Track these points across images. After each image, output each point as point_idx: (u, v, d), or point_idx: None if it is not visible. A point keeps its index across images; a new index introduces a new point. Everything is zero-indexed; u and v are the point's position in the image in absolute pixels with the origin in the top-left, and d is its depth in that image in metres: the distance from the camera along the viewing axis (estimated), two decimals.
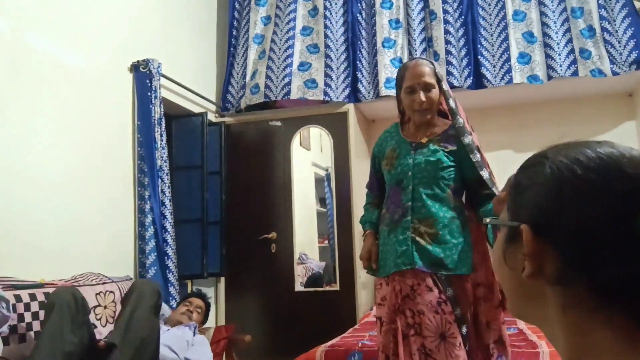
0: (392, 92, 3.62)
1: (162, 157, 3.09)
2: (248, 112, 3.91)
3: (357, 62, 3.74)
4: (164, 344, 2.32)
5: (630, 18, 3.23)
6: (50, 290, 2.24)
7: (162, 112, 3.13)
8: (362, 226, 2.07)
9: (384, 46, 3.69)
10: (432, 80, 1.88)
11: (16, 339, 2.05)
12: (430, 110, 1.90)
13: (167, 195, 3.09)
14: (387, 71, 3.64)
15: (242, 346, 2.70)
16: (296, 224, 3.76)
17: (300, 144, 4.07)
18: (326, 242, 4.63)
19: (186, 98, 3.61)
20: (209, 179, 3.66)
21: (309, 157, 4.41)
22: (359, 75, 3.72)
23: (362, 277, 3.53)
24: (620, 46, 3.24)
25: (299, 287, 3.67)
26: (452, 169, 1.86)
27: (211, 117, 3.83)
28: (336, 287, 3.61)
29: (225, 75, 3.97)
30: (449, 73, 3.53)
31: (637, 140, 3.65)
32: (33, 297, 2.15)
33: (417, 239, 1.80)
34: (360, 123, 3.91)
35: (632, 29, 3.21)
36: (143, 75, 3.06)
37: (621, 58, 3.24)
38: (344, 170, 3.69)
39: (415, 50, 3.65)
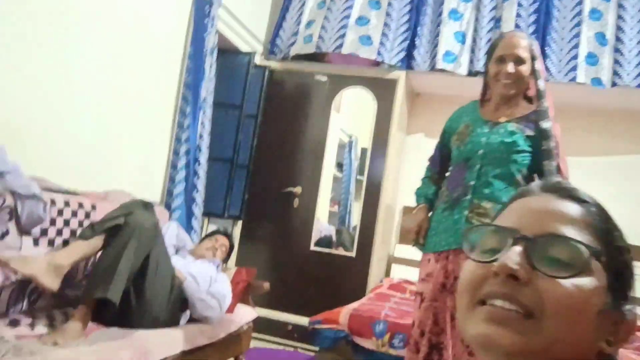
0: (449, 67, 3.62)
1: (208, 89, 3.11)
2: (294, 61, 3.91)
3: (418, 28, 3.72)
4: (189, 273, 2.39)
5: None
6: (94, 201, 2.31)
7: (216, 43, 3.13)
8: (417, 198, 2.09)
9: (450, 17, 3.66)
10: (525, 55, 1.86)
11: (45, 242, 2.11)
12: (516, 85, 1.88)
13: (206, 128, 3.13)
14: (448, 44, 3.63)
15: (260, 292, 2.78)
16: (323, 182, 3.81)
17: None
18: (336, 207, 4.71)
19: (237, 34, 3.61)
20: (245, 121, 3.68)
21: (337, 119, 4.43)
22: (417, 41, 3.71)
23: (378, 251, 3.62)
24: None
25: (314, 247, 3.75)
26: (527, 154, 1.85)
27: (257, 59, 3.82)
28: (352, 253, 3.69)
29: (278, 19, 3.95)
30: None
31: None
32: (67, 203, 2.21)
33: (475, 219, 1.82)
34: (406, 94, 3.91)
35: None
36: (203, 1, 3.05)
37: None
38: (383, 140, 3.72)
39: (482, 28, 3.63)
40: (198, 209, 3.12)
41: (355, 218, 4.64)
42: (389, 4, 3.74)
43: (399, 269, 3.83)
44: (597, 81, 3.42)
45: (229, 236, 2.86)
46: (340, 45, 3.70)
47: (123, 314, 2.02)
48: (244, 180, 3.75)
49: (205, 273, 2.50)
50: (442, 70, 3.65)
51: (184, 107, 3.04)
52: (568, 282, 0.54)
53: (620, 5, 3.42)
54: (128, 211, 2.05)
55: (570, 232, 0.57)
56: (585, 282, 0.55)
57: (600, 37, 3.45)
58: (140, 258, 2.00)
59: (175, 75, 3.05)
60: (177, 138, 3.03)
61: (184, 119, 3.03)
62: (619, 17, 3.41)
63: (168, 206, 2.99)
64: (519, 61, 1.86)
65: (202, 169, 3.13)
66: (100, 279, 1.91)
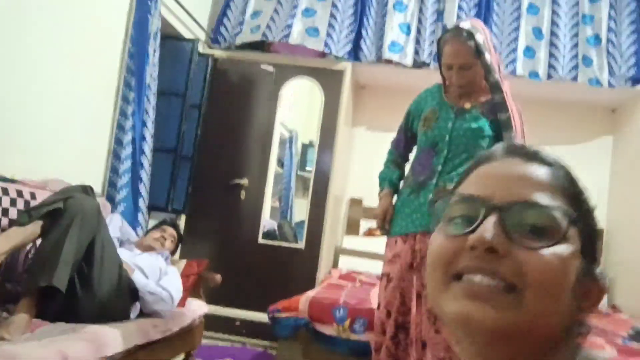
0: (395, 57, 3.69)
1: (152, 74, 3.01)
2: (239, 50, 3.85)
3: (364, 19, 3.77)
4: (137, 266, 2.30)
5: (635, 35, 3.46)
6: (34, 190, 2.17)
7: (160, 27, 3.03)
8: (380, 182, 2.11)
9: (395, 8, 3.74)
10: (469, 60, 1.87)
11: None
12: (468, 86, 1.93)
13: (150, 116, 3.02)
14: (394, 34, 3.70)
15: (213, 284, 2.72)
16: (270, 174, 3.78)
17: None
18: (277, 202, 4.70)
19: (180, 20, 3.51)
20: (189, 111, 3.59)
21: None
22: (364, 32, 3.76)
23: (327, 242, 3.64)
24: (621, 60, 3.48)
25: (262, 239, 3.71)
26: (491, 138, 1.91)
27: (200, 47, 3.73)
28: (301, 245, 3.69)
29: (222, 7, 3.88)
30: None
31: (611, 156, 3.94)
32: (5, 191, 2.07)
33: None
34: (352, 86, 3.96)
35: (635, 45, 3.45)
36: None
37: (620, 72, 3.48)
38: (330, 132, 3.73)
39: (426, 19, 3.74)
40: (143, 202, 3.01)
41: (297, 213, 4.64)
42: None
43: (346, 260, 3.87)
44: (534, 74, 3.61)
45: (176, 227, 2.78)
46: (288, 35, 3.68)
47: (69, 306, 1.91)
48: (188, 172, 3.65)
49: (154, 265, 2.42)
50: (389, 62, 3.72)
51: (126, 93, 2.91)
52: (547, 252, 0.52)
53: (554, 2, 3.63)
54: (67, 195, 1.94)
55: (543, 198, 0.55)
56: (564, 250, 0.53)
57: (537, 32, 3.64)
58: (84, 244, 1.89)
59: (116, 59, 2.92)
60: (120, 126, 2.90)
61: (126, 106, 2.91)
62: (554, 12, 3.62)
63: (111, 199, 2.86)
64: (464, 68, 1.89)
65: (146, 160, 3.02)
66: (43, 267, 1.79)
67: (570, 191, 0.57)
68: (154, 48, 2.99)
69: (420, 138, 2.02)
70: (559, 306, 0.53)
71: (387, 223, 2.00)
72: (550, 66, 3.61)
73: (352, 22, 3.79)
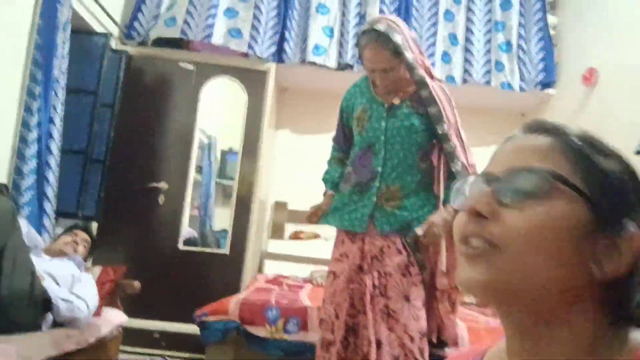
0: (319, 59, 3.71)
1: (61, 67, 2.80)
2: (155, 47, 3.69)
3: (288, 21, 3.76)
4: (47, 273, 2.12)
5: (543, 42, 3.72)
6: None
7: (70, 18, 2.84)
8: (324, 184, 2.10)
9: (317, 11, 3.77)
10: (390, 64, 1.87)
11: None
12: (392, 85, 1.95)
13: (58, 113, 2.81)
14: (318, 37, 3.72)
15: (130, 292, 2.55)
16: (191, 177, 3.65)
17: None
18: (196, 211, 4.56)
19: (91, 12, 3.31)
20: (101, 110, 3.38)
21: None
22: (287, 35, 3.75)
23: (252, 247, 3.56)
24: (531, 66, 3.72)
25: (183, 246, 3.56)
26: (425, 132, 1.94)
27: (113, 43, 3.54)
28: (225, 251, 3.58)
29: (136, 1, 3.71)
30: None
31: None
32: None
33: (384, 204, 1.88)
34: (275, 88, 3.92)
35: (544, 52, 3.71)
36: None
37: (530, 77, 3.71)
38: (254, 133, 3.67)
39: (349, 22, 3.79)
40: (50, 206, 2.77)
41: (217, 222, 4.51)
42: None
43: (272, 264, 3.80)
44: (451, 78, 3.77)
45: (89, 231, 2.60)
46: (210, 35, 3.59)
47: None
48: (100, 175, 3.43)
49: (66, 272, 2.24)
50: (312, 64, 3.73)
51: (32, 88, 2.69)
52: (531, 211, 0.54)
53: (469, 9, 3.82)
54: None
55: (534, 163, 0.57)
56: (552, 208, 0.54)
57: (453, 37, 3.81)
58: None
59: (22, 51, 2.69)
60: (25, 123, 2.67)
61: (32, 102, 2.68)
62: (468, 19, 3.81)
63: (14, 202, 2.60)
64: (386, 71, 1.90)
65: (54, 160, 2.80)
66: None
67: (578, 153, 0.58)
68: (63, 40, 2.79)
69: (356, 138, 2.02)
70: (548, 263, 0.54)
71: (315, 217, 2.00)
72: (466, 71, 3.79)
73: (276, 24, 3.77)
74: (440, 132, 1.90)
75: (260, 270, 3.85)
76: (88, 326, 2.15)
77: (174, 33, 3.61)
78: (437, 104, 1.92)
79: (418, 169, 1.91)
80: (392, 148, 1.92)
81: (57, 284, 2.15)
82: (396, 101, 1.96)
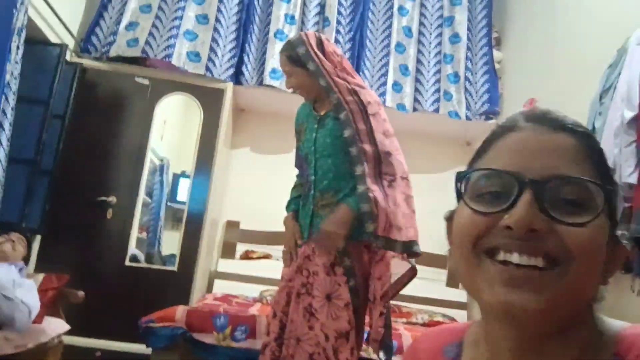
0: (276, 83, 3.80)
1: (13, 72, 2.76)
2: (111, 62, 3.69)
3: (246, 45, 3.85)
4: None
5: (488, 75, 3.95)
6: None
7: (25, 24, 2.82)
8: (286, 208, 2.13)
9: (275, 36, 3.88)
10: (287, 69, 2.05)
11: None
12: (303, 92, 2.08)
13: (8, 118, 2.75)
14: (275, 61, 3.82)
15: (74, 301, 2.48)
16: (141, 193, 3.61)
17: None
18: (144, 233, 4.49)
19: (47, 22, 3.30)
20: (51, 121, 3.33)
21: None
22: (245, 58, 3.83)
23: (202, 266, 3.53)
24: (476, 96, 3.93)
25: (129, 262, 3.49)
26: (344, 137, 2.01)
27: (68, 55, 3.52)
28: (173, 267, 3.53)
29: (95, 16, 3.73)
30: None
31: None
32: None
33: (319, 211, 1.94)
34: (232, 109, 3.97)
35: (488, 84, 3.93)
36: None
37: (475, 107, 3.92)
38: (209, 151, 3.68)
39: None
40: None
41: (166, 246, 4.44)
42: (217, 20, 3.81)
43: (221, 284, 3.75)
44: (401, 107, 3.93)
45: (20, 232, 2.52)
46: (169, 56, 3.63)
47: None
48: (47, 187, 3.35)
49: (7, 277, 2.17)
50: (269, 86, 3.81)
51: None
52: (589, 225, 0.52)
53: (420, 42, 4.02)
54: None
55: (576, 170, 0.54)
56: (601, 222, 0.53)
57: (404, 68, 3.99)
58: None
59: None
60: None
61: None
62: (419, 51, 4.01)
63: None
64: (287, 75, 2.08)
65: (0, 166, 2.72)
66: None
67: (596, 158, 0.57)
68: (17, 45, 2.76)
69: (297, 152, 2.12)
70: (596, 276, 0.55)
71: (294, 250, 2.01)
72: (416, 100, 3.96)
73: (234, 47, 3.85)
74: (345, 136, 1.95)
75: (209, 289, 3.80)
76: (28, 331, 2.09)
77: (135, 52, 3.63)
78: (344, 109, 1.96)
79: (351, 175, 1.93)
80: (320, 156, 1.99)
81: None
82: (322, 112, 2.06)
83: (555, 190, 0.53)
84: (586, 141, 0.58)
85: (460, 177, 0.60)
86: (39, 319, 2.23)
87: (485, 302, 0.55)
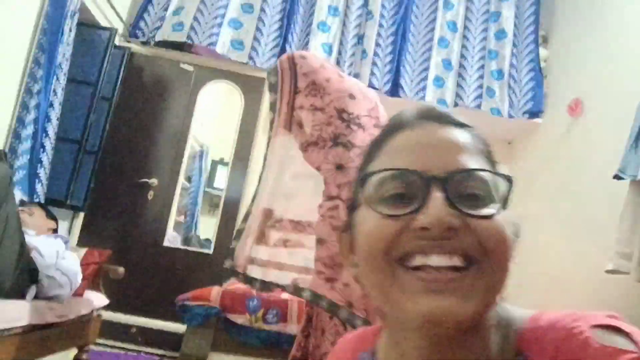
0: None
1: (65, 54, 2.87)
2: (158, 47, 3.78)
3: (289, 35, 3.87)
4: (31, 245, 2.14)
5: (533, 73, 3.86)
6: None
7: (79, 7, 2.92)
8: None
9: (318, 28, 3.89)
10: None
11: None
12: None
13: (58, 97, 2.86)
14: (317, 53, 3.82)
15: (114, 277, 2.57)
16: (181, 177, 3.69)
17: None
18: (182, 217, 4.59)
19: (98, 7, 3.40)
20: (99, 103, 3.44)
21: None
22: (288, 48, 3.85)
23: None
24: (520, 94, 3.85)
25: (167, 242, 3.58)
26: None
27: (117, 39, 3.62)
28: (209, 250, 3.60)
29: (143, 1, 3.81)
30: (372, 73, 3.84)
31: None
32: None
33: None
34: None
35: (533, 82, 3.85)
36: None
37: (518, 105, 3.85)
38: (247, 140, 3.73)
39: (347, 42, 3.92)
40: (42, 188, 2.80)
41: (202, 230, 4.53)
42: (262, 10, 3.85)
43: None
44: (442, 101, 3.89)
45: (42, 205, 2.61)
46: (214, 43, 3.69)
47: None
48: (92, 167, 3.46)
49: (51, 248, 2.25)
50: None
51: (34, 71, 2.75)
52: (497, 216, 0.51)
53: (464, 37, 3.97)
54: None
55: (473, 163, 0.53)
56: (503, 211, 0.52)
57: (447, 63, 3.95)
58: None
59: (27, 34, 2.75)
60: (24, 104, 2.72)
61: (33, 84, 2.74)
62: (463, 46, 3.96)
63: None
64: None
65: (49, 142, 2.84)
66: None
67: (484, 149, 0.57)
68: (70, 27, 2.87)
69: None
70: (509, 269, 0.52)
71: None
72: (457, 95, 3.92)
73: (278, 36, 3.88)
74: None
75: None
76: (69, 302, 2.17)
77: (180, 37, 3.71)
78: None
79: None
80: None
81: (42, 256, 2.16)
82: None
83: (460, 184, 0.51)
84: (476, 134, 0.58)
85: (359, 182, 0.56)
86: (80, 292, 2.31)
87: (405, 314, 0.50)
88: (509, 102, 3.85)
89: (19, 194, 2.65)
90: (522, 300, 0.58)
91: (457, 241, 0.49)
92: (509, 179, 0.53)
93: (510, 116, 3.84)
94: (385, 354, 0.60)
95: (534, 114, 3.85)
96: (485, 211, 0.50)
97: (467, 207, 0.50)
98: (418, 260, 0.50)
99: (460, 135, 0.56)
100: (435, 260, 0.49)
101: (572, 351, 0.49)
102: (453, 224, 0.49)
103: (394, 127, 0.58)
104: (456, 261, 0.49)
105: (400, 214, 0.51)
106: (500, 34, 3.96)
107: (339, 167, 1.62)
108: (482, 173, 0.52)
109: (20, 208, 2.44)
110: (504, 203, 0.53)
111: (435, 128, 0.56)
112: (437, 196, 0.50)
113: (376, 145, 0.59)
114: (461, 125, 0.58)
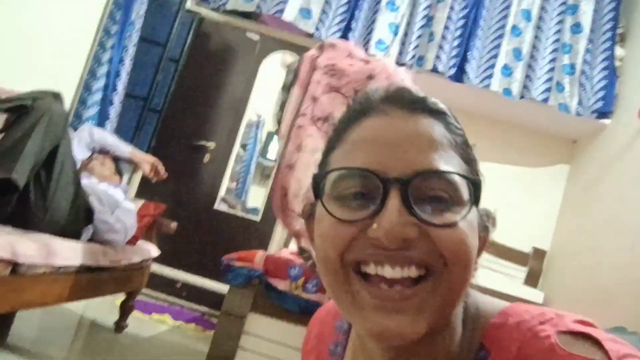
0: (380, 54, 3.78)
1: (139, 12, 2.95)
2: (226, 14, 3.83)
3: (356, 11, 3.84)
4: (93, 194, 2.24)
5: (607, 71, 3.68)
6: None
7: None
8: None
9: (387, 7, 3.83)
10: None
11: None
12: None
13: (129, 54, 2.96)
14: (382, 33, 3.79)
15: (167, 230, 2.67)
16: (237, 144, 3.76)
17: None
18: (234, 184, 4.69)
19: None
20: (166, 63, 3.54)
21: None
22: (354, 24, 3.83)
23: None
24: (591, 92, 3.68)
25: (218, 206, 3.68)
26: None
27: (188, 3, 3.70)
28: (257, 218, 3.67)
29: None
30: (437, 56, 3.76)
31: (565, 184, 4.14)
32: None
33: None
34: None
35: (605, 81, 3.67)
36: None
37: (588, 103, 3.68)
38: None
39: (415, 24, 3.84)
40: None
41: (251, 199, 4.62)
42: None
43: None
44: (508, 92, 3.77)
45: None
46: (282, 11, 3.70)
47: (19, 211, 1.83)
48: (154, 125, 3.59)
49: (111, 196, 2.36)
50: (373, 56, 3.80)
51: (108, 26, 2.87)
52: (460, 224, 0.48)
53: (539, 27, 3.82)
54: (36, 96, 1.87)
55: (441, 160, 0.49)
56: (470, 215, 0.49)
57: (517, 52, 3.81)
58: (47, 147, 1.81)
59: None
60: (96, 58, 2.84)
61: (107, 39, 2.86)
62: (536, 37, 3.81)
63: (73, 128, 2.77)
64: None
65: (117, 97, 2.95)
66: (2, 159, 1.71)
67: (461, 142, 0.53)
68: None
69: None
70: (470, 271, 0.49)
71: None
72: (525, 87, 3.78)
73: (345, 11, 3.85)
74: None
75: (286, 245, 3.92)
76: (122, 249, 2.27)
77: (250, 7, 3.74)
78: None
79: None
80: None
81: (102, 203, 2.27)
82: None
83: (421, 188, 0.47)
84: (451, 123, 0.53)
85: (317, 176, 0.53)
86: (133, 241, 2.42)
87: (356, 326, 0.50)
88: (578, 99, 3.69)
89: None
90: (572, 310, 0.57)
91: (413, 252, 0.47)
92: (473, 180, 0.50)
93: (578, 114, 3.68)
94: (353, 352, 0.60)
95: (603, 114, 3.67)
96: (448, 218, 0.47)
97: (429, 213, 0.47)
98: (372, 269, 0.48)
99: (431, 127, 0.51)
100: (389, 271, 0.47)
101: (535, 355, 0.47)
102: (408, 236, 0.46)
103: (360, 111, 0.54)
104: (412, 272, 0.47)
105: (355, 219, 0.48)
106: (576, 28, 3.78)
107: None
108: (449, 176, 0.48)
109: (95, 155, 2.57)
110: (474, 202, 0.50)
111: (404, 117, 0.51)
112: (394, 203, 0.46)
113: (340, 130, 0.55)
114: (436, 112, 0.53)
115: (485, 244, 0.54)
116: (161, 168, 2.64)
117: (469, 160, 0.53)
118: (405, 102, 0.53)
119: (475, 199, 0.50)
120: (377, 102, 0.53)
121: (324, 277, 0.52)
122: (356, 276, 0.49)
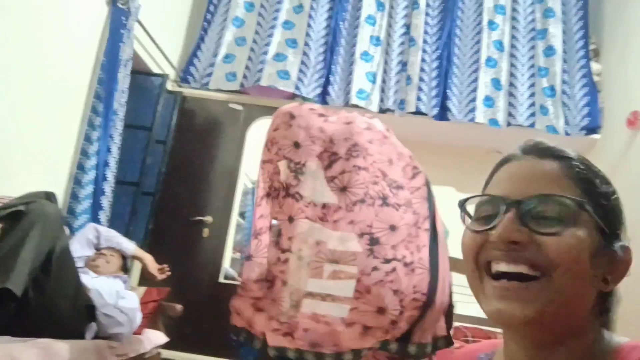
0: (362, 102, 3.83)
1: (120, 101, 3.01)
2: (208, 89, 3.91)
3: (332, 66, 3.93)
4: (93, 288, 2.20)
5: (587, 88, 3.73)
6: None
7: (132, 56, 3.07)
8: None
9: (361, 58, 3.92)
10: None
11: None
12: None
13: (116, 143, 2.99)
14: (361, 82, 3.86)
15: (173, 314, 2.61)
16: (235, 214, 3.74)
17: None
18: (238, 254, 4.64)
19: (150, 55, 3.56)
20: (154, 146, 3.57)
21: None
22: (332, 79, 3.91)
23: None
24: (575, 110, 3.72)
25: (223, 279, 3.62)
26: None
27: (169, 84, 3.78)
28: None
29: (193, 48, 3.98)
30: (418, 98, 3.81)
31: None
32: None
33: None
34: None
35: (588, 97, 3.71)
36: (120, 11, 3.01)
37: (574, 121, 3.71)
38: None
39: (391, 70, 3.92)
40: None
41: None
42: (306, 44, 3.93)
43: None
44: (494, 122, 3.80)
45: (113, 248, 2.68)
46: (259, 79, 3.79)
47: (19, 316, 1.79)
48: (149, 208, 3.58)
49: (111, 288, 2.31)
50: (355, 107, 3.84)
51: (92, 119, 2.89)
52: (567, 236, 0.60)
53: (512, 55, 3.89)
54: (29, 200, 1.87)
55: (554, 189, 0.62)
56: (579, 231, 0.60)
57: (496, 82, 3.87)
58: (44, 250, 1.79)
59: (85, 84, 2.91)
60: (83, 151, 2.86)
61: (91, 132, 2.88)
62: (512, 65, 3.88)
63: (69, 225, 2.76)
64: None
65: (109, 187, 2.96)
66: None
67: (583, 178, 0.64)
68: (124, 75, 3.01)
69: None
70: (583, 281, 0.60)
71: None
72: (510, 114, 3.82)
73: (322, 67, 3.94)
74: None
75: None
76: (129, 341, 2.21)
77: (234, 87, 3.85)
78: None
79: None
80: None
81: (102, 297, 2.23)
82: None
83: (534, 207, 0.61)
84: (574, 163, 0.65)
85: (460, 205, 0.69)
86: (139, 330, 2.36)
87: (484, 311, 0.64)
88: (564, 119, 3.72)
89: None
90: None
91: (520, 252, 0.60)
92: (579, 203, 0.61)
93: (567, 133, 3.69)
94: (499, 355, 0.72)
95: (591, 129, 3.69)
96: (553, 229, 0.60)
97: (540, 226, 0.60)
98: (494, 267, 0.63)
99: (550, 166, 0.65)
100: (503, 267, 0.62)
101: None
102: (516, 238, 0.60)
103: (504, 160, 0.70)
104: (522, 269, 0.60)
105: (482, 229, 0.64)
106: (549, 51, 3.85)
107: (392, 228, 1.58)
108: (557, 198, 0.61)
109: (102, 251, 2.55)
110: (594, 225, 0.61)
111: (533, 161, 0.66)
112: (508, 216, 0.61)
113: (491, 174, 0.71)
114: (559, 157, 0.66)
115: (616, 269, 0.63)
116: (164, 265, 2.63)
117: (593, 193, 0.63)
118: (537, 150, 0.68)
119: (603, 224, 0.62)
120: (516, 152, 0.69)
121: (468, 276, 0.67)
122: (486, 273, 0.64)
